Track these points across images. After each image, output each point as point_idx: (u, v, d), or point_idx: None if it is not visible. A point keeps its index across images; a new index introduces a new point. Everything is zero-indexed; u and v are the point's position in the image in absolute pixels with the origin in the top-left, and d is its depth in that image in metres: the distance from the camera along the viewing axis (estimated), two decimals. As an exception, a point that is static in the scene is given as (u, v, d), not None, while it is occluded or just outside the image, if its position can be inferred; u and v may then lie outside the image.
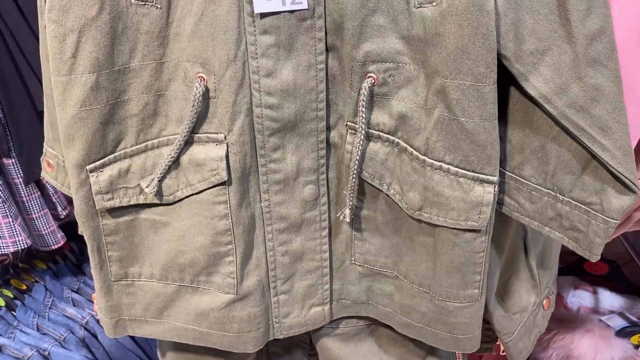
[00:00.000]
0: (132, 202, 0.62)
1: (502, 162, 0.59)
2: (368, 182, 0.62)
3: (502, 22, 0.50)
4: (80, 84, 0.55)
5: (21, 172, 1.17)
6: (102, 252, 0.65)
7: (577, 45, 0.50)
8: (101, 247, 0.64)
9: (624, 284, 1.25)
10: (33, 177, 1.17)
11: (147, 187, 0.60)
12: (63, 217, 1.29)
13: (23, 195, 1.20)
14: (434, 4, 0.50)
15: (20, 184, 1.19)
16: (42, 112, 1.12)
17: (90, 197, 0.61)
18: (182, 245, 0.64)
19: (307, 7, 0.53)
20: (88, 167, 0.59)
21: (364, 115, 0.57)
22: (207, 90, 0.56)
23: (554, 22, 0.50)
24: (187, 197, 0.62)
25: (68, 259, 1.46)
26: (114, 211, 0.63)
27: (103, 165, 0.60)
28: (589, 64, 0.50)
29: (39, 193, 1.22)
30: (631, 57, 0.63)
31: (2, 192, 1.14)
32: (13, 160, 1.17)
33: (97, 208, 0.62)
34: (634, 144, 0.68)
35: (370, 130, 0.59)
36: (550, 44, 0.51)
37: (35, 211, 1.22)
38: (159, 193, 0.61)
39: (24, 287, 1.34)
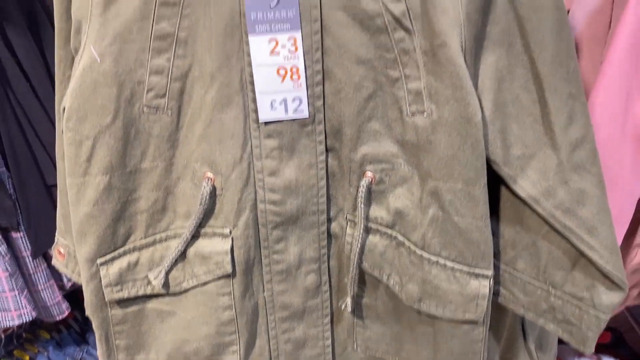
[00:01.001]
0: (140, 293, 0.65)
1: (497, 256, 0.61)
2: (368, 273, 0.64)
3: (489, 130, 0.53)
4: (94, 185, 0.58)
5: (29, 246, 1.20)
6: (110, 341, 0.66)
7: (561, 152, 0.53)
8: (109, 336, 0.66)
9: (627, 352, 1.25)
10: (40, 250, 1.19)
11: (154, 279, 0.63)
12: (68, 287, 1.30)
13: (30, 268, 1.22)
14: (425, 114, 0.53)
15: (28, 257, 1.21)
16: (52, 186, 1.17)
17: (100, 289, 0.63)
18: (187, 335, 0.65)
19: (307, 116, 0.57)
20: (98, 260, 0.62)
21: (362, 210, 0.59)
22: (214, 188, 0.60)
23: (539, 131, 0.54)
24: (193, 288, 0.64)
25: (72, 328, 1.46)
26: (122, 302, 0.65)
27: (113, 259, 0.62)
28: (573, 169, 0.53)
29: (45, 265, 1.24)
30: (618, 150, 0.66)
31: (9, 265, 1.16)
32: (21, 233, 1.20)
33: (106, 300, 0.64)
34: (623, 229, 0.71)
35: (369, 224, 0.62)
36: (536, 149, 0.54)
37: (41, 283, 1.24)
38: (165, 284, 0.64)
39: (27, 358, 1.35)
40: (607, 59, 0.63)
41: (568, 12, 0.78)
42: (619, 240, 0.72)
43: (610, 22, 0.73)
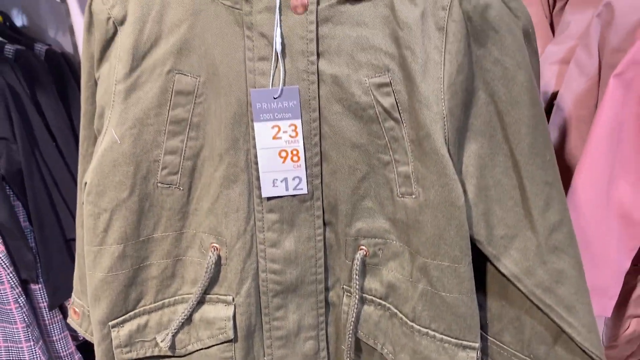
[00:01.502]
0: (148, 354, 0.68)
1: (484, 328, 0.64)
2: (364, 341, 0.68)
3: (473, 212, 0.57)
4: (109, 253, 0.64)
5: (46, 297, 1.25)
6: (118, 398, 0.70)
7: (540, 234, 0.57)
8: (118, 394, 0.70)
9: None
10: (57, 302, 1.24)
11: (162, 341, 0.67)
12: (81, 338, 1.34)
13: (46, 318, 1.26)
14: (413, 196, 0.58)
15: (45, 308, 1.26)
16: (71, 240, 1.23)
17: (110, 350, 0.67)
18: (191, 395, 0.69)
19: (306, 192, 0.62)
20: (110, 323, 0.66)
21: (357, 282, 0.63)
22: (219, 258, 0.64)
23: (520, 213, 0.58)
24: (197, 350, 0.68)
25: (83, 378, 1.49)
26: (130, 362, 0.69)
27: (124, 321, 0.67)
28: (551, 251, 0.57)
29: (60, 316, 1.28)
30: (603, 227, 0.70)
31: (27, 317, 1.20)
32: (40, 285, 1.25)
33: None
34: (612, 302, 0.73)
35: (364, 295, 0.65)
36: (517, 231, 0.58)
37: (56, 334, 1.28)
38: (172, 346, 0.68)
39: (39, 408, 1.37)
40: (589, 143, 0.67)
41: (556, 94, 0.83)
42: (609, 313, 0.75)
43: (596, 104, 0.78)
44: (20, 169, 1.22)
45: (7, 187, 1.22)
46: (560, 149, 0.81)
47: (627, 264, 0.71)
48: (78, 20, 1.24)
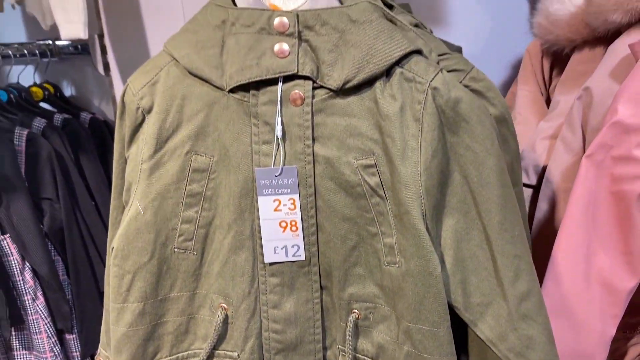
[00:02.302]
0: (164, 401, 0.75)
1: (467, 388, 0.69)
2: (357, 397, 0.73)
3: (451, 280, 0.64)
4: (130, 310, 0.72)
5: (79, 347, 1.33)
6: None
7: (510, 303, 0.63)
8: None
9: None
10: (88, 352, 1.33)
11: None
12: (109, 387, 1.41)
13: (78, 367, 1.35)
14: (397, 265, 0.65)
15: (77, 357, 1.34)
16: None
17: None
18: None
19: (304, 259, 0.70)
20: None
21: (350, 343, 0.69)
22: (226, 317, 0.72)
23: (493, 283, 0.64)
24: (207, 400, 0.74)
25: None
26: (147, 409, 0.75)
27: None
28: (521, 318, 0.62)
29: (91, 365, 1.37)
30: (584, 296, 0.74)
31: (60, 366, 1.29)
32: (74, 335, 1.34)
33: None
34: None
35: (357, 355, 0.71)
36: (491, 299, 0.64)
37: (86, 382, 1.36)
38: None
39: None
40: (565, 217, 0.73)
41: (545, 168, 0.89)
42: (598, 378, 0.78)
43: (582, 178, 0.83)
44: (61, 227, 1.34)
45: (49, 244, 1.33)
46: (550, 218, 0.87)
47: (612, 331, 0.75)
48: (119, 91, 1.38)
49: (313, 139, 0.66)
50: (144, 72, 0.70)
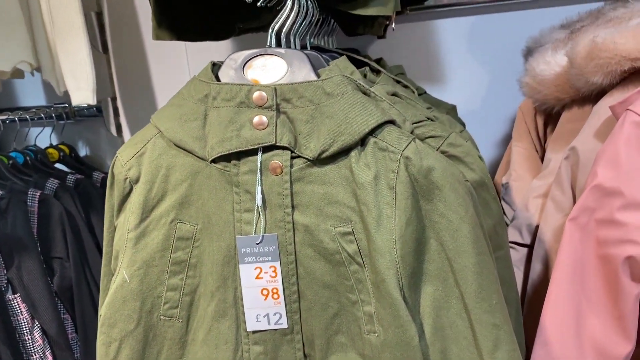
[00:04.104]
0: None
1: None
2: None
3: (430, 350, 0.63)
4: None
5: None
6: None
7: (491, 373, 0.61)
8: None
9: None
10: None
11: None
12: None
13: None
14: (376, 334, 0.64)
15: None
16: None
17: None
18: None
19: (287, 327, 0.70)
20: None
21: None
22: None
23: (473, 352, 0.63)
24: None
25: None
26: None
27: None
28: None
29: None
30: (572, 351, 0.72)
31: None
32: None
33: None
34: None
35: None
36: (472, 367, 0.63)
37: None
38: None
39: None
40: (551, 283, 0.72)
41: (538, 228, 0.88)
42: None
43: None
44: (71, 285, 1.37)
45: (59, 302, 1.35)
46: (544, 278, 0.85)
47: (609, 400, 0.72)
48: (131, 152, 1.42)
49: (292, 207, 0.68)
50: (132, 145, 0.73)
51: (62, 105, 1.55)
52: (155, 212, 0.71)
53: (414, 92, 0.93)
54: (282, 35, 0.74)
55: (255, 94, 0.67)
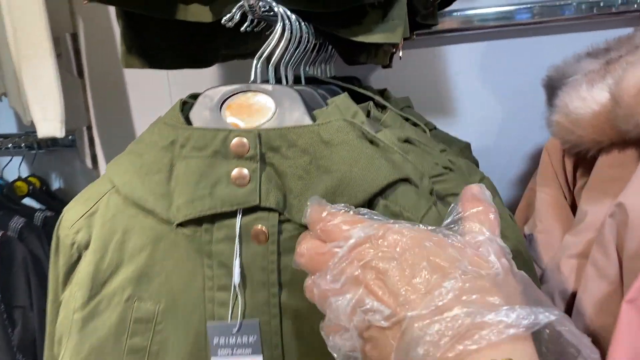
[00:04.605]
0: None
1: None
2: None
3: None
4: None
5: None
6: None
7: None
8: None
9: None
10: None
11: None
12: None
13: None
14: None
15: None
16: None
17: None
18: None
19: None
20: None
21: None
22: None
23: None
24: None
25: None
26: None
27: None
28: None
29: None
30: None
31: None
32: None
33: None
34: None
35: None
36: None
37: None
38: None
39: None
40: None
41: (575, 294, 0.74)
42: None
43: (622, 311, 0.68)
44: (34, 338, 1.22)
45: (21, 357, 1.20)
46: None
47: None
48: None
49: (280, 286, 0.53)
50: (82, 201, 0.59)
51: (34, 133, 1.41)
52: (107, 287, 0.57)
53: (425, 132, 0.79)
54: (271, 66, 0.61)
55: (234, 141, 0.53)
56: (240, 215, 0.53)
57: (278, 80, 0.64)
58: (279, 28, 0.59)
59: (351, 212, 0.43)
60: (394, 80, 1.20)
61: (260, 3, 0.60)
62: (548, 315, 0.35)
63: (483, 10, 1.14)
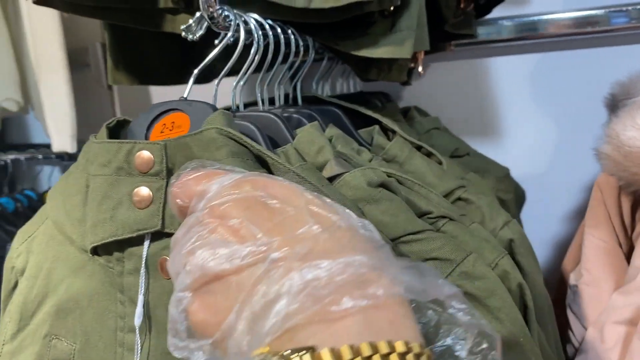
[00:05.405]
0: None
1: None
2: None
3: None
4: None
5: None
6: None
7: None
8: None
9: None
10: None
11: None
12: None
13: None
14: None
15: None
16: None
17: None
18: None
19: None
20: None
21: None
22: None
23: None
24: None
25: None
26: None
27: None
28: None
29: None
30: None
31: None
32: None
33: None
34: None
35: None
36: None
37: None
38: None
39: None
40: None
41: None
42: None
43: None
44: None
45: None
46: None
47: None
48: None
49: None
50: (30, 224, 0.55)
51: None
52: (34, 319, 0.51)
53: (441, 163, 0.67)
54: (238, 87, 0.53)
55: (137, 155, 0.44)
56: (148, 242, 0.45)
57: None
58: (240, 43, 0.50)
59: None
60: (427, 97, 1.07)
61: (224, 13, 0.51)
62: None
63: (539, 17, 0.99)
